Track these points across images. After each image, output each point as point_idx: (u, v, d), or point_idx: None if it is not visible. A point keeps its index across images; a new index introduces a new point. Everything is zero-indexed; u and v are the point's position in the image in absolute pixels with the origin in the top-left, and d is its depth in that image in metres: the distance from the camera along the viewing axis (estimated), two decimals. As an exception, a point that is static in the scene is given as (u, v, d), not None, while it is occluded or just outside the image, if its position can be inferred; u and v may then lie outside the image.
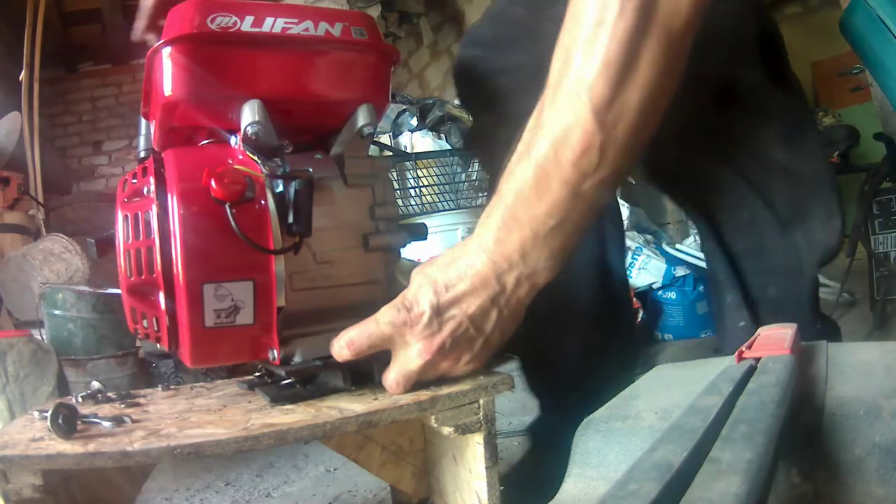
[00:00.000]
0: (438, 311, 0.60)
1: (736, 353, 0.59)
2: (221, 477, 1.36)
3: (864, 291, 1.89)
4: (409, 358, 0.62)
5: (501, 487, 0.67)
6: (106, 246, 0.71)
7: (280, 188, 0.65)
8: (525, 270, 0.59)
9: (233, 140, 0.69)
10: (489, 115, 0.93)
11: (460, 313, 0.60)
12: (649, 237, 2.24)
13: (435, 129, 2.44)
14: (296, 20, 0.67)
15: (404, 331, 0.61)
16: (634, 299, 2.02)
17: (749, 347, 0.60)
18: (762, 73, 0.80)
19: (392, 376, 0.64)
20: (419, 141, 2.44)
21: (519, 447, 1.14)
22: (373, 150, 0.78)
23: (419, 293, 0.61)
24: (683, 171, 0.88)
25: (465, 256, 0.60)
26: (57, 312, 1.91)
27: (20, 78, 3.07)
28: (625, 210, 2.28)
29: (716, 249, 0.92)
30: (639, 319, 2.00)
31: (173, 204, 0.61)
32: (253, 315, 0.63)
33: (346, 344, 0.63)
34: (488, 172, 0.97)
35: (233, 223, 0.60)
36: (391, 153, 2.38)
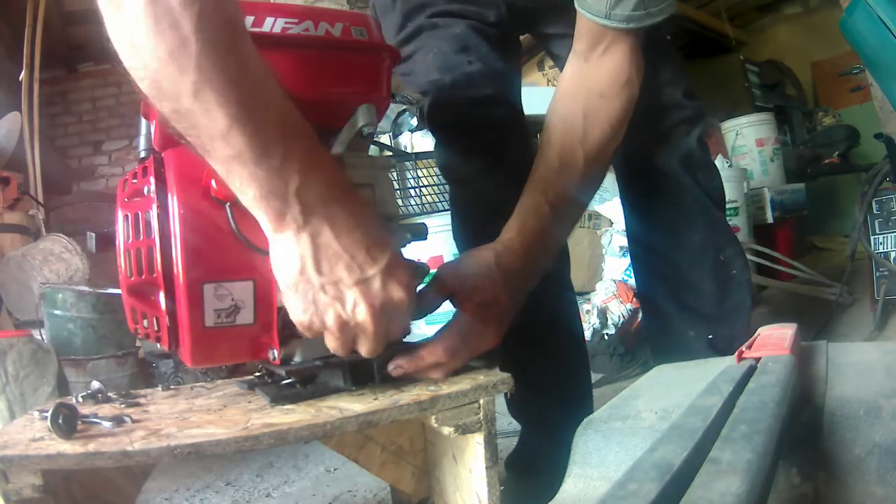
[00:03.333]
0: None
1: (736, 353, 0.59)
2: (221, 477, 1.36)
3: (864, 291, 1.89)
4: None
5: (501, 487, 0.67)
6: (105, 241, 0.70)
7: (280, 188, 0.65)
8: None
9: (233, 140, 0.68)
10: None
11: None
12: (649, 237, 2.24)
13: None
14: (296, 20, 0.67)
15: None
16: (634, 300, 2.02)
17: (749, 347, 0.60)
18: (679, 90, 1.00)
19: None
20: (419, 141, 2.44)
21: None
22: (373, 150, 0.79)
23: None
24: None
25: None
26: (57, 312, 1.91)
27: (20, 78, 3.06)
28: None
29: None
30: (638, 320, 2.00)
31: (173, 204, 0.61)
32: (253, 315, 0.63)
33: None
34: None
35: (233, 223, 0.60)
36: (391, 153, 2.38)
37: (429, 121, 1.05)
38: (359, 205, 0.60)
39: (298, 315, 0.59)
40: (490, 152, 0.99)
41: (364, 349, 0.62)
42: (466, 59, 0.99)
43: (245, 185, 0.54)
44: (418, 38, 1.01)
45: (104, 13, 0.51)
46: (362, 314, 0.58)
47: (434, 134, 1.07)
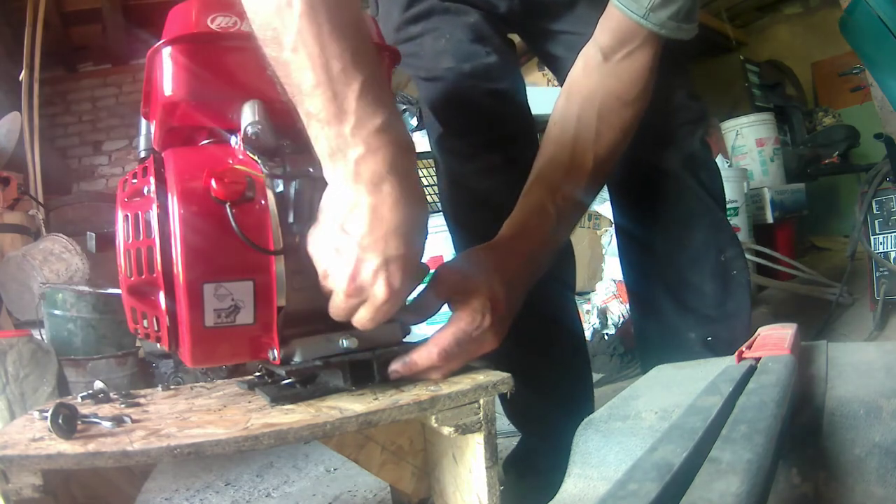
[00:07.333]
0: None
1: (736, 353, 0.59)
2: (221, 477, 1.36)
3: (864, 291, 1.89)
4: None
5: (501, 487, 0.67)
6: (105, 242, 0.70)
7: (280, 188, 0.65)
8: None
9: (233, 140, 0.69)
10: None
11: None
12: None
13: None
14: (296, 20, 0.67)
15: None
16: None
17: (749, 347, 0.60)
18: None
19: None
20: (419, 141, 2.44)
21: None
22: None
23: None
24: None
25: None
26: (57, 312, 1.91)
27: (20, 78, 3.07)
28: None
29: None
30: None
31: (173, 204, 0.61)
32: (253, 315, 0.63)
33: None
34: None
35: (233, 223, 0.60)
36: (391, 153, 2.36)
37: (436, 110, 1.00)
38: (414, 189, 0.60)
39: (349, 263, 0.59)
40: (503, 149, 0.97)
41: (378, 307, 0.62)
42: (484, 50, 0.96)
43: (316, 142, 0.59)
44: (428, 20, 0.97)
45: None
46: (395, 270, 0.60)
47: (440, 123, 1.01)
